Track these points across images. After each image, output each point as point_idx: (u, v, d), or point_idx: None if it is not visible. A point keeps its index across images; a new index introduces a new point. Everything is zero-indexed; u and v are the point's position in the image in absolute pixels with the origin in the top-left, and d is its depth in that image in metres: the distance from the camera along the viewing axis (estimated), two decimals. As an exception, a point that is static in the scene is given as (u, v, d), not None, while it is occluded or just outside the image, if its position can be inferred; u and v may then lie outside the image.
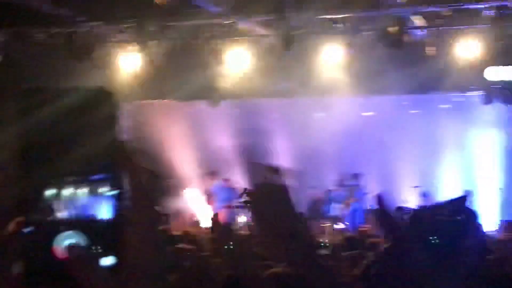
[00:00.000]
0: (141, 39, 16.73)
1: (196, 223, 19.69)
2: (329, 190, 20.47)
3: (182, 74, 18.96)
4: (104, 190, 1.80)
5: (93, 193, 1.80)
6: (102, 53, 18.21)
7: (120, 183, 1.81)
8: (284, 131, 21.92)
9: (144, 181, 1.71)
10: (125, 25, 17.03)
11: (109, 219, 1.80)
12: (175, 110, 21.64)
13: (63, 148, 1.80)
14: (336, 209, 20.26)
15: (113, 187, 1.81)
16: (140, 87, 19.84)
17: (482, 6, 14.45)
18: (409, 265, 2.80)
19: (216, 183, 20.21)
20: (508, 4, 14.08)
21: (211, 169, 20.67)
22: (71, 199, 1.80)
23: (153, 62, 17.68)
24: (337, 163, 21.31)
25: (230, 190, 20.16)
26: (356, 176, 19.89)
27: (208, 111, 21.02)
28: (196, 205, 21.66)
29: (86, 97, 1.83)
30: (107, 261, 1.76)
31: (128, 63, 18.71)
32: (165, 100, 20.77)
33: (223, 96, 20.02)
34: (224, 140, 22.20)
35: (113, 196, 1.81)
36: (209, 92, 19.84)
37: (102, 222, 1.80)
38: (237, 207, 19.82)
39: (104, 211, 1.80)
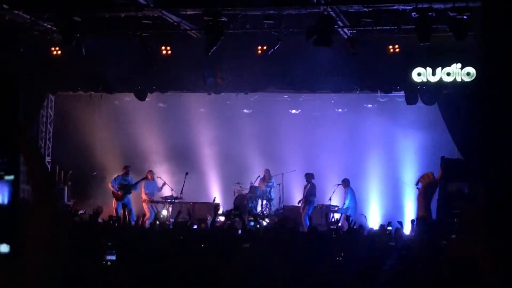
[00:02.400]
0: (66, 30, 16.35)
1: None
2: (254, 187, 20.50)
3: (109, 66, 18.69)
4: (3, 175, 1.70)
5: None
6: (27, 42, 17.79)
7: (18, 168, 1.71)
8: (211, 126, 21.87)
9: (44, 166, 1.62)
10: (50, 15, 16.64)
11: (5, 204, 1.69)
12: (101, 102, 21.31)
13: None
14: (261, 205, 20.32)
15: (10, 172, 1.71)
16: (65, 78, 19.50)
17: (408, 7, 14.69)
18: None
19: (127, 176, 19.95)
20: (434, 6, 14.33)
21: (126, 164, 20.42)
22: None
23: (79, 53, 17.34)
24: (263, 160, 21.38)
25: (153, 183, 20.05)
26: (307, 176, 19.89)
27: (135, 104, 20.81)
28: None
29: None
30: (2, 248, 1.66)
31: (53, 53, 18.36)
32: (91, 92, 20.42)
33: (149, 89, 19.85)
34: (150, 134, 22.01)
35: (9, 181, 1.70)
36: (136, 85, 19.64)
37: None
38: (158, 202, 19.81)
39: (2, 196, 1.69)
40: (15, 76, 1.76)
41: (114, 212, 18.59)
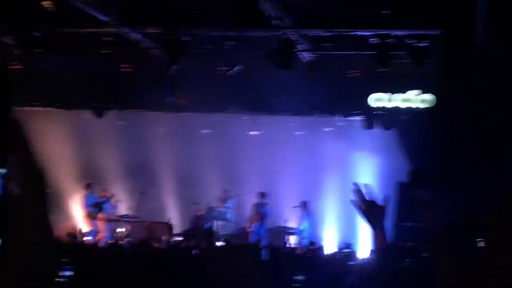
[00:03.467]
0: (25, 45, 16.19)
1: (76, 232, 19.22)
2: (211, 207, 20.44)
3: (67, 82, 18.55)
4: None
5: None
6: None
7: (8, 162, 1.70)
8: (169, 145, 21.78)
9: (36, 162, 1.60)
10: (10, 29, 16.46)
11: None
12: (59, 119, 21.09)
13: None
14: (218, 226, 20.26)
15: (1, 165, 1.70)
16: (23, 93, 19.25)
17: (368, 33, 14.89)
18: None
19: (89, 194, 19.84)
20: (391, 33, 14.56)
21: (87, 181, 20.30)
22: None
23: (38, 68, 17.18)
24: (221, 180, 21.35)
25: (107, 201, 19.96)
26: (263, 195, 19.92)
27: (93, 122, 20.65)
28: (76, 215, 21.34)
29: None
30: None
31: (12, 68, 18.14)
32: (49, 108, 20.21)
33: (108, 106, 19.74)
34: (107, 152, 21.84)
35: (1, 174, 1.70)
36: (94, 102, 19.52)
37: None
38: (114, 220, 19.71)
39: None
40: (7, 70, 1.76)
41: (102, 233, 18.66)
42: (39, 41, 16.05)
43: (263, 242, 17.90)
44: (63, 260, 6.03)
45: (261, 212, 19.54)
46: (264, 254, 11.43)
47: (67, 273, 5.82)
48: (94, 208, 19.53)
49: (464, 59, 13.24)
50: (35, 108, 20.17)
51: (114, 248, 9.59)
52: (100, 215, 19.75)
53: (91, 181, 20.89)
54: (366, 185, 3.93)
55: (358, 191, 3.84)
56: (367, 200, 3.77)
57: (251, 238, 19.04)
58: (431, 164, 15.88)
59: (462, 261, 3.12)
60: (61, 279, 5.74)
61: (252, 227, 19.48)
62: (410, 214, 16.13)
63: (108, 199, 19.74)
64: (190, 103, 19.11)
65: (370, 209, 3.78)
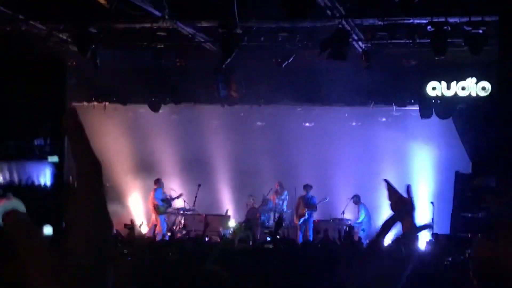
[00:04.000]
0: (81, 41, 16.40)
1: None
2: (267, 199, 20.45)
3: (122, 78, 18.76)
4: (46, 155, 1.69)
5: (34, 158, 1.69)
6: (42, 53, 17.84)
7: (63, 150, 1.70)
8: (224, 138, 21.87)
9: (91, 151, 1.58)
10: (66, 26, 16.70)
11: (50, 186, 1.69)
12: (116, 113, 21.38)
13: (4, 110, 1.70)
14: (273, 218, 20.25)
15: (55, 153, 1.70)
16: (80, 89, 19.56)
17: (423, 21, 14.64)
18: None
19: (158, 189, 20.06)
20: (449, 20, 14.28)
21: (156, 177, 20.56)
22: (10, 164, 1.68)
23: (94, 64, 17.38)
24: (276, 172, 21.34)
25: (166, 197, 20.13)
26: (307, 187, 19.83)
27: (149, 116, 20.87)
28: (136, 210, 21.64)
29: (32, 63, 1.75)
30: (45, 230, 1.65)
31: (69, 64, 18.44)
32: (106, 103, 20.50)
33: (163, 101, 19.90)
34: (163, 145, 22.05)
35: (54, 162, 1.69)
36: (150, 97, 19.71)
37: (42, 189, 1.69)
38: (171, 213, 19.91)
39: (45, 178, 1.68)
40: (64, 60, 1.77)
41: (159, 227, 18.86)
42: (95, 37, 16.23)
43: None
44: (123, 252, 6.08)
45: (307, 204, 19.43)
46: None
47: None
48: (164, 203, 19.79)
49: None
50: (91, 104, 20.49)
51: (172, 241, 9.66)
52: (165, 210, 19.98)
53: (145, 174, 21.17)
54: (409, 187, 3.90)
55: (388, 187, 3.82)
56: (395, 193, 3.77)
57: (300, 232, 18.97)
58: (492, 152, 15.57)
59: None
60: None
61: (299, 221, 19.38)
62: (470, 205, 15.86)
63: (178, 197, 19.92)
64: (244, 96, 19.13)
65: (397, 202, 3.77)
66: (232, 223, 19.54)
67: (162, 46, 16.83)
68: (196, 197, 19.57)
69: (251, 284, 5.05)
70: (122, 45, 17.25)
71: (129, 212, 21.28)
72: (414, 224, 3.80)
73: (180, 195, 19.86)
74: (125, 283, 2.36)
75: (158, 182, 20.14)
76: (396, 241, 3.39)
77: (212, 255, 5.75)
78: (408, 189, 3.79)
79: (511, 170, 13.66)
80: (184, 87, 18.93)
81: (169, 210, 20.23)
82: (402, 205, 3.76)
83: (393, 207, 3.85)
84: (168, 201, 19.72)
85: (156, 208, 19.70)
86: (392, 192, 3.77)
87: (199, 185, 19.57)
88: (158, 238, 15.15)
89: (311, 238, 17.45)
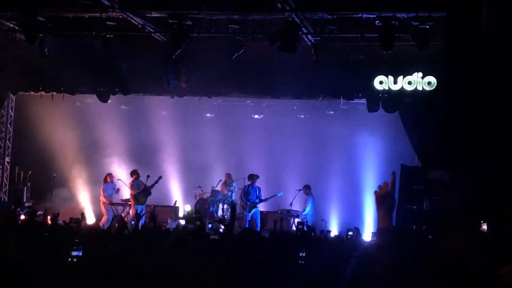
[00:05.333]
0: (29, 29, 16.17)
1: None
2: (216, 191, 20.52)
3: (71, 67, 18.56)
4: None
5: None
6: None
7: None
8: (173, 130, 21.84)
9: None
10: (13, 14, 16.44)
11: None
12: (63, 103, 21.13)
13: None
14: (222, 209, 20.34)
15: None
16: (27, 78, 19.31)
17: (372, 16, 14.84)
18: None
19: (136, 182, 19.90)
20: (397, 15, 14.50)
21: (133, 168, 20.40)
22: None
23: (42, 53, 17.15)
24: (225, 164, 21.42)
25: (111, 186, 20.00)
26: (252, 176, 19.82)
27: (98, 106, 20.69)
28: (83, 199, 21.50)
29: None
30: None
31: (16, 52, 18.18)
32: (53, 92, 20.24)
33: (112, 91, 19.74)
34: (112, 136, 21.92)
35: None
36: (98, 87, 19.53)
37: None
38: (117, 204, 19.80)
39: None
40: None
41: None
42: (43, 25, 16.03)
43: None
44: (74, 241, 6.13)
45: (251, 194, 19.47)
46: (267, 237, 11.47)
47: (77, 253, 5.93)
48: (143, 193, 19.58)
49: (468, 41, 13.21)
50: (39, 93, 20.22)
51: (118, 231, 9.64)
52: (103, 199, 19.84)
53: (92, 165, 21.07)
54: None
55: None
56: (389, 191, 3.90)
57: (246, 221, 19.02)
58: (437, 146, 15.90)
59: (476, 240, 3.19)
60: (72, 259, 5.84)
61: (246, 210, 19.41)
62: (415, 197, 16.17)
63: (157, 181, 19.68)
64: (194, 87, 19.10)
65: (385, 194, 3.90)
66: (187, 207, 19.58)
67: (111, 36, 16.71)
68: (145, 187, 19.51)
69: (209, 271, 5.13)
70: (71, 34, 17.04)
71: (76, 202, 21.12)
72: (391, 223, 3.93)
73: (159, 178, 19.66)
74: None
75: (135, 173, 19.92)
76: (346, 235, 3.52)
77: (168, 240, 5.81)
78: (394, 177, 3.85)
79: (458, 163, 14.00)
80: (133, 78, 18.81)
81: (117, 201, 20.11)
82: (388, 200, 3.87)
83: (379, 198, 3.95)
84: (148, 190, 19.51)
85: (136, 199, 19.47)
86: (390, 188, 3.87)
87: (148, 176, 19.42)
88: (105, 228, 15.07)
89: (258, 229, 17.54)
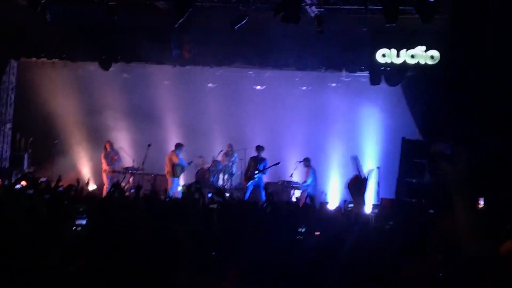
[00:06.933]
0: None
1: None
2: (217, 161, 20.57)
3: (73, 34, 18.50)
4: None
5: None
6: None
7: None
8: (174, 99, 21.82)
9: None
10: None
11: None
12: (65, 70, 21.10)
13: None
14: (223, 179, 20.40)
15: None
16: (29, 44, 19.25)
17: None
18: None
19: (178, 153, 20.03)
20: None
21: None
22: None
23: (44, 19, 17.07)
24: (226, 134, 21.43)
25: (112, 154, 20.09)
26: (258, 148, 19.83)
27: (99, 74, 20.64)
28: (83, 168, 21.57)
29: None
30: None
31: (18, 18, 18.11)
32: (55, 60, 20.20)
33: (114, 59, 19.68)
34: (113, 104, 21.91)
35: None
36: (100, 54, 19.46)
37: None
38: (119, 172, 19.87)
39: None
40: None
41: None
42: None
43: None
44: (79, 209, 6.16)
45: (258, 166, 19.50)
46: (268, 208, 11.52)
47: (81, 221, 5.97)
48: (182, 166, 19.82)
49: (474, 15, 13.14)
50: (40, 60, 20.17)
51: (120, 199, 9.69)
52: (105, 167, 19.94)
53: (93, 134, 21.18)
54: (355, 158, 4.11)
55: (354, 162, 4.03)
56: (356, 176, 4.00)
57: (246, 194, 19.06)
58: (439, 119, 15.89)
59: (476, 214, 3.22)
60: (77, 228, 5.88)
61: (249, 182, 19.44)
62: (416, 170, 16.20)
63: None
64: (196, 57, 19.05)
65: (354, 181, 3.99)
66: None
67: (114, 3, 16.62)
68: (145, 157, 19.54)
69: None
70: (74, 0, 16.95)
71: (77, 169, 21.20)
72: (363, 202, 4.01)
73: (191, 163, 20.04)
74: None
75: (179, 146, 20.06)
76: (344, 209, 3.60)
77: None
78: (356, 161, 3.95)
79: (462, 137, 13.99)
80: (135, 46, 18.73)
81: (117, 169, 20.18)
82: (358, 185, 3.93)
83: (350, 186, 4.03)
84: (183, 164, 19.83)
85: (173, 169, 19.66)
86: (356, 173, 3.95)
87: (149, 145, 19.49)
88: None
89: (263, 199, 17.53)
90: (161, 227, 4.17)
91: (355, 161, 4.11)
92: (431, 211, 11.87)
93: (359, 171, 4.10)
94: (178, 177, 19.79)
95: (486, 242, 3.28)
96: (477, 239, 3.26)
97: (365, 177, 4.07)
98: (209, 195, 17.03)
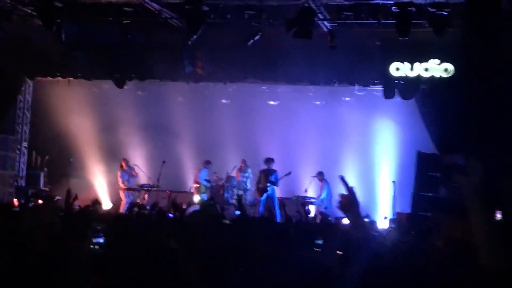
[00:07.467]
0: (46, 14, 16.20)
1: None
2: (231, 177, 20.56)
3: (88, 52, 18.64)
4: None
5: None
6: (6, 27, 17.60)
7: None
8: (188, 115, 21.87)
9: None
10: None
11: None
12: (80, 89, 21.24)
13: None
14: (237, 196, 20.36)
15: None
16: (44, 64, 19.40)
17: (389, 2, 14.75)
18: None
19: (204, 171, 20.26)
20: (414, 1, 14.40)
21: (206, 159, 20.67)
22: None
23: (59, 38, 17.19)
24: (240, 150, 21.43)
25: (129, 172, 20.16)
26: (268, 160, 19.82)
27: (114, 92, 20.76)
28: (99, 186, 21.61)
29: None
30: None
31: (33, 38, 18.26)
32: (70, 78, 20.35)
33: (128, 77, 19.80)
34: (128, 122, 22.00)
35: None
36: (115, 72, 19.58)
37: None
38: (134, 189, 19.92)
39: None
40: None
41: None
42: (60, 10, 16.05)
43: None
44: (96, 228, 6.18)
45: (269, 178, 19.48)
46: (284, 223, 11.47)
47: (98, 240, 6.00)
48: (207, 183, 20.03)
49: (487, 28, 13.10)
50: (56, 79, 20.32)
51: (137, 215, 9.72)
52: (121, 185, 19.99)
53: (108, 151, 21.23)
54: (342, 178, 4.12)
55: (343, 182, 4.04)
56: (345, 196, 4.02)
57: (260, 208, 19.03)
58: (453, 132, 15.82)
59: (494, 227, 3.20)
60: (94, 246, 5.90)
61: (262, 196, 19.39)
62: (431, 184, 16.11)
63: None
64: (209, 73, 19.12)
65: (343, 201, 4.02)
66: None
67: (128, 21, 16.73)
68: (160, 173, 19.57)
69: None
70: (88, 19, 17.08)
71: (92, 188, 21.25)
72: (360, 218, 4.02)
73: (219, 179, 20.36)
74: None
75: (207, 163, 20.31)
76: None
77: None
78: (343, 180, 3.97)
79: (477, 149, 13.90)
80: (149, 64, 18.85)
81: (133, 186, 20.24)
82: (348, 203, 3.95)
83: (341, 207, 4.05)
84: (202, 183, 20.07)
85: (198, 187, 19.88)
86: (345, 192, 3.98)
87: (164, 162, 19.54)
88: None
89: (277, 215, 17.42)
90: (167, 245, 4.17)
91: (342, 181, 4.12)
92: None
93: (347, 189, 4.11)
94: (204, 193, 19.86)
95: (503, 255, 3.26)
96: (495, 252, 3.24)
97: (352, 193, 4.08)
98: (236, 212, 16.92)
